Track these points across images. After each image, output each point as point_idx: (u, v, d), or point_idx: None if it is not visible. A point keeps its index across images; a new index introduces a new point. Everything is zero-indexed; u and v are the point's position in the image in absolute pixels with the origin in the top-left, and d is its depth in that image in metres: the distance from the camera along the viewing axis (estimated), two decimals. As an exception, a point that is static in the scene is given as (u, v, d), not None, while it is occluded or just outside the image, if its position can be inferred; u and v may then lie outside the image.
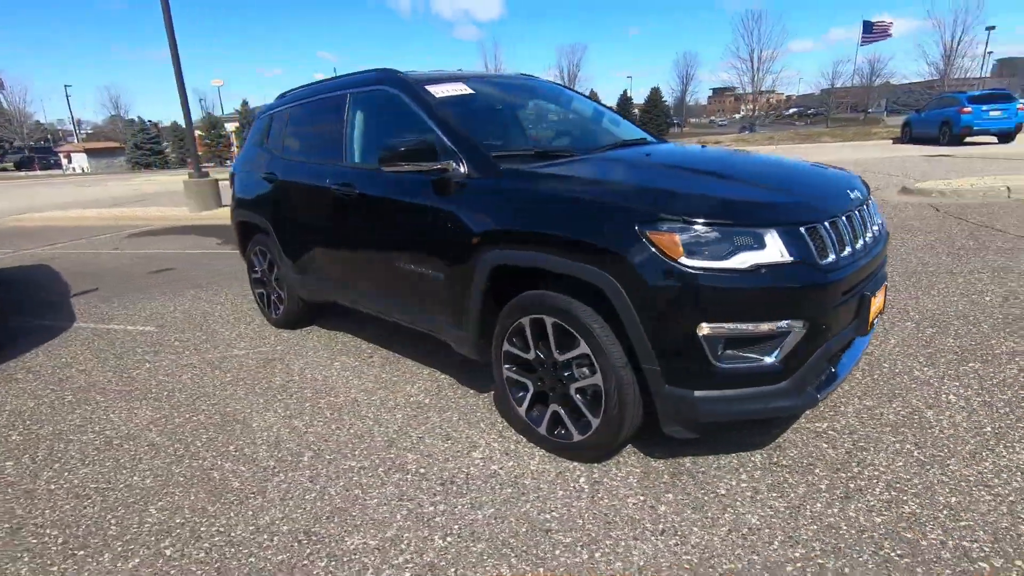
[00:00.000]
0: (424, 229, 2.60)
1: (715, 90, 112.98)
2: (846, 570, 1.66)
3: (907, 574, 1.63)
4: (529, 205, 2.18)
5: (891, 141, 20.28)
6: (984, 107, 15.48)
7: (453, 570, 1.76)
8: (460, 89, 2.87)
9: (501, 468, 2.27)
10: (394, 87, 2.88)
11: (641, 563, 1.74)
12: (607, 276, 1.93)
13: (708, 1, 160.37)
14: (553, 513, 1.99)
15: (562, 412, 2.24)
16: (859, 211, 2.18)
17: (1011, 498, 1.91)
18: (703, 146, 3.10)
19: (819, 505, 1.94)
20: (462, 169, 2.44)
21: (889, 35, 49.05)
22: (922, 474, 2.06)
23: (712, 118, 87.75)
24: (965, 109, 15.58)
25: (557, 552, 1.81)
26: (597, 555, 1.78)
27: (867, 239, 2.17)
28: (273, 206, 3.74)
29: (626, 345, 1.99)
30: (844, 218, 2.05)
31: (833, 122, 46.38)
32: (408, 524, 1.98)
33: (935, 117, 16.96)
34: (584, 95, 3.71)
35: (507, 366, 2.41)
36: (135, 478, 2.36)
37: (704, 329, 1.83)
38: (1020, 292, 3.82)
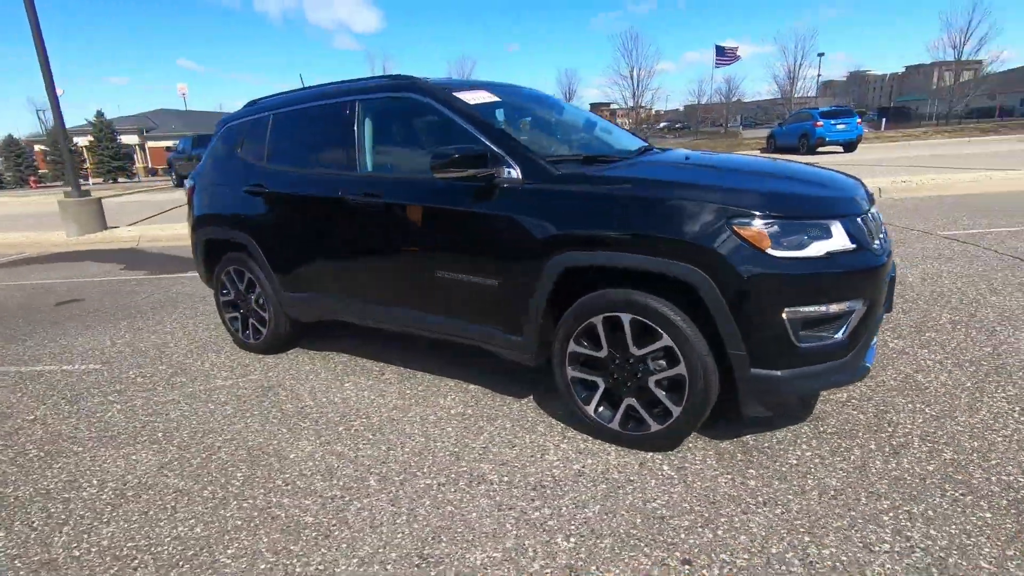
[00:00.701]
0: (474, 236, 2.58)
1: (592, 105, 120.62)
2: (930, 512, 1.91)
3: (975, 508, 1.92)
4: (606, 207, 2.25)
5: (759, 151, 22.81)
6: (833, 121, 17.99)
7: (594, 568, 1.78)
8: (487, 97, 2.88)
9: (583, 467, 2.30)
10: (422, 94, 2.82)
11: (763, 533, 1.87)
12: (696, 270, 2.06)
13: (578, 23, 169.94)
14: (658, 501, 2.06)
15: (637, 405, 2.33)
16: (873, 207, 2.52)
17: (1015, 437, 2.29)
18: (707, 151, 3.35)
19: (878, 463, 2.20)
20: (515, 174, 2.46)
21: (739, 58, 55.03)
22: (942, 427, 2.40)
23: None
24: (818, 123, 18.00)
25: (683, 535, 1.89)
26: (720, 532, 1.89)
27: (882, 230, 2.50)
28: (259, 220, 3.46)
29: (708, 333, 2.13)
30: (869, 212, 2.36)
31: (701, 135, 51.14)
32: (523, 531, 1.96)
33: (795, 130, 19.41)
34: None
35: (572, 367, 2.45)
36: (181, 529, 2.08)
37: (787, 313, 2.02)
38: (908, 275, 4.54)
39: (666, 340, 2.18)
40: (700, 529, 1.91)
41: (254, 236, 3.48)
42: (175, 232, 9.30)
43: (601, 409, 2.44)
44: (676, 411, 2.24)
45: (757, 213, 2.02)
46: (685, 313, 2.15)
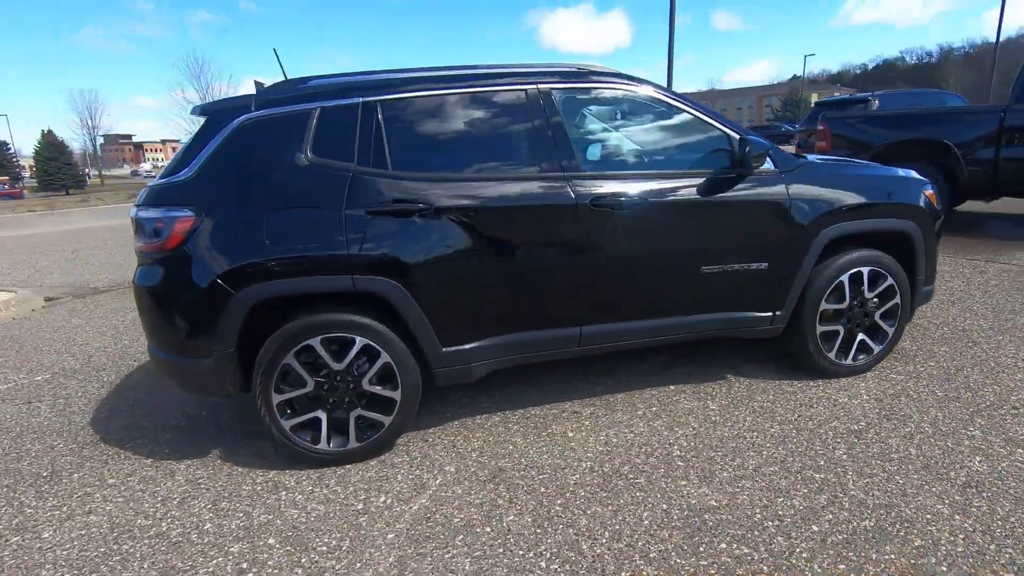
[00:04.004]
0: (744, 225, 2.72)
1: (107, 137, 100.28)
2: None
3: None
4: (853, 184, 2.85)
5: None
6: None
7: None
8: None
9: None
10: (643, 86, 2.67)
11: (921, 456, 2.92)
12: (911, 223, 2.94)
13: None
14: (937, 391, 2.85)
15: (864, 337, 3.03)
16: None
17: None
18: None
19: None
20: (770, 164, 2.75)
21: None
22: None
23: (139, 168, 77.74)
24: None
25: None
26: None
27: None
28: (409, 254, 2.33)
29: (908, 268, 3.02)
30: None
31: None
32: (950, 439, 2.42)
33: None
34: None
35: (824, 324, 2.94)
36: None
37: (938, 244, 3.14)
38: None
39: (890, 280, 2.97)
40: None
41: (400, 277, 2.34)
42: None
43: (834, 351, 3.01)
44: (891, 331, 3.05)
45: (928, 181, 3.04)
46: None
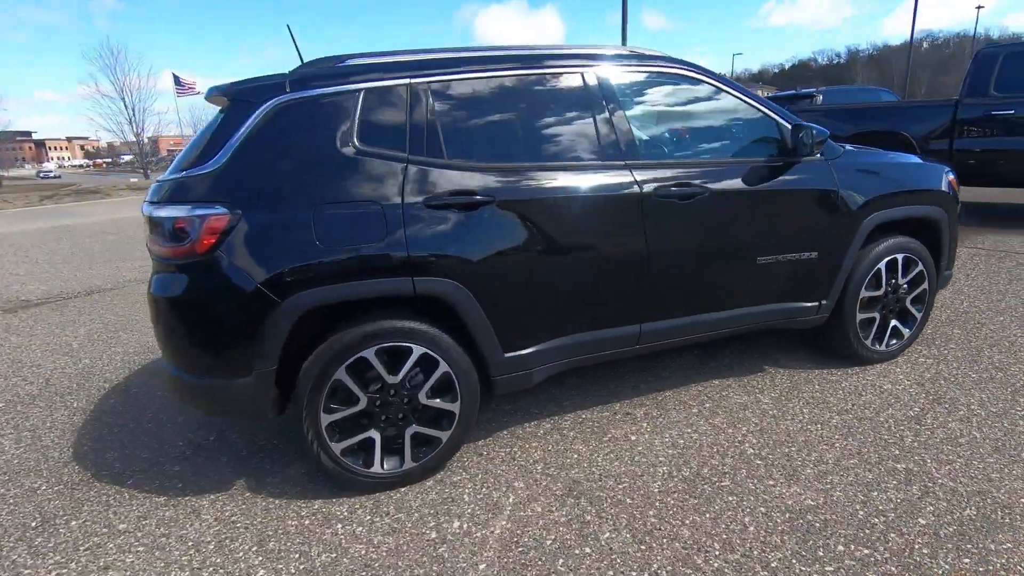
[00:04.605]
0: (795, 213, 2.67)
1: (3, 134, 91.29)
2: None
3: None
4: (892, 172, 2.86)
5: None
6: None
7: None
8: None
9: None
10: (688, 68, 2.57)
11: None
12: (939, 209, 2.99)
13: None
14: (970, 372, 2.93)
15: (897, 323, 3.07)
16: None
17: None
18: None
19: None
20: (819, 154, 2.71)
21: (198, 92, 51.73)
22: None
23: (43, 168, 71.14)
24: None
25: None
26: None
27: None
28: (470, 252, 2.10)
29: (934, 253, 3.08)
30: None
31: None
32: None
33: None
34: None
35: (865, 311, 2.95)
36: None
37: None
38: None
39: (920, 267, 3.02)
40: (1009, 372, 2.91)
41: (462, 278, 2.11)
42: None
43: (873, 338, 3.03)
44: (919, 316, 3.11)
45: (949, 168, 3.11)
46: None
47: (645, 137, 2.52)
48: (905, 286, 3.03)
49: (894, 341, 3.10)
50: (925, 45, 78.44)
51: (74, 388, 3.42)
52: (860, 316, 2.96)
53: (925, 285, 3.07)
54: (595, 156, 2.33)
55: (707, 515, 2.00)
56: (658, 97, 2.60)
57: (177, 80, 50.56)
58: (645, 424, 2.62)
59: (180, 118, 62.02)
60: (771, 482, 2.16)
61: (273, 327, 1.94)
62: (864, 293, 2.93)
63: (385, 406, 2.15)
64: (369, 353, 2.07)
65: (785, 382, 2.95)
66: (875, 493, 2.06)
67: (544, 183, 2.23)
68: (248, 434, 2.73)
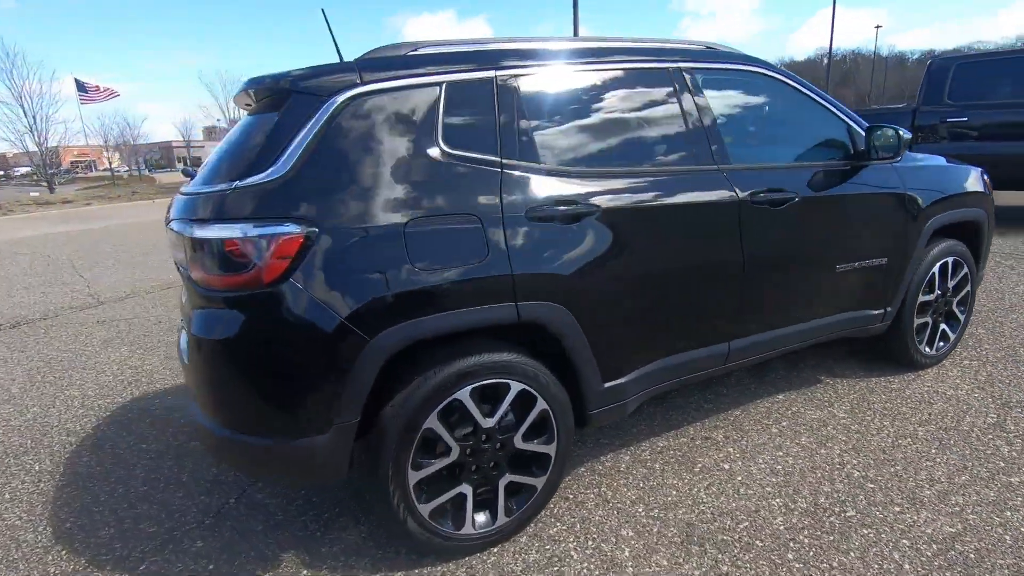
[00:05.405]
0: (869, 218, 2.57)
1: None
2: None
3: None
4: (942, 176, 2.83)
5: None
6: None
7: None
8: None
9: None
10: (765, 67, 2.41)
11: (1054, 358, 3.08)
12: (982, 212, 3.00)
13: None
14: None
15: (944, 326, 3.06)
16: None
17: None
18: None
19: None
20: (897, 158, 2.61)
21: (106, 98, 47.19)
22: None
23: None
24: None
25: (1066, 376, 2.87)
26: None
27: None
28: (574, 270, 1.81)
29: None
30: None
31: (80, 181, 42.17)
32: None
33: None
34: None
35: (917, 317, 2.90)
36: None
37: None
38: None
39: (966, 270, 3.01)
40: (1055, 371, 2.93)
41: (566, 300, 1.82)
42: None
43: (925, 342, 3.00)
44: (963, 318, 3.11)
45: (984, 169, 3.13)
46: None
47: (732, 139, 2.33)
48: (951, 289, 3.01)
49: (942, 344, 3.08)
50: (824, 61, 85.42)
51: (29, 445, 2.81)
52: (917, 321, 2.91)
53: (968, 287, 3.07)
54: (690, 160, 2.12)
55: (851, 554, 1.80)
56: (740, 97, 2.43)
57: (80, 85, 46.35)
58: (731, 449, 2.42)
59: (85, 127, 56.84)
60: (897, 508, 2.00)
61: (359, 371, 1.57)
62: (921, 298, 2.88)
63: (477, 454, 1.82)
64: (463, 394, 1.73)
65: (848, 393, 2.84)
66: (1008, 513, 1.94)
67: (646, 190, 1.98)
68: (276, 492, 2.30)
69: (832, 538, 1.88)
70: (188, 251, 1.58)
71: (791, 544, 1.86)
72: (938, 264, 2.88)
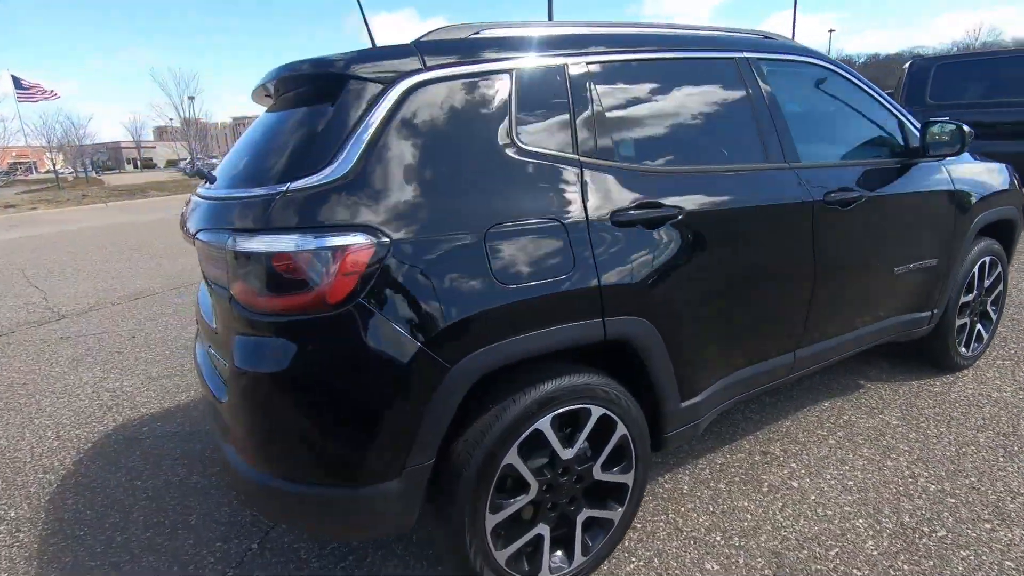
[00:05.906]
0: (924, 218, 2.48)
1: None
2: (1031, 321, 3.60)
3: None
4: (983, 173, 2.77)
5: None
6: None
7: None
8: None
9: None
10: (825, 60, 2.29)
11: (1083, 356, 3.07)
12: (1016, 210, 2.96)
13: None
14: None
15: (980, 327, 3.01)
16: None
17: None
18: None
19: None
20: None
21: (47, 96, 44.40)
22: None
23: None
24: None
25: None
26: (1088, 366, 2.96)
27: None
28: (656, 278, 1.62)
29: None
30: None
31: (20, 184, 39.86)
32: None
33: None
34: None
35: (960, 319, 2.83)
36: None
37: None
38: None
39: (1000, 270, 2.97)
40: (1089, 369, 2.92)
41: (651, 314, 1.62)
42: None
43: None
44: (992, 322, 3.07)
45: (1011, 165, 3.09)
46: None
47: (798, 135, 2.19)
48: (986, 288, 2.97)
49: (976, 345, 3.03)
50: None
51: (1, 488, 2.45)
52: (958, 322, 2.85)
53: (1001, 286, 3.03)
54: (762, 157, 1.96)
55: (958, 580, 1.68)
56: (801, 90, 2.29)
57: (17, 82, 43.65)
58: (794, 464, 2.28)
59: (24, 126, 53.52)
60: (987, 526, 1.89)
61: (438, 404, 1.34)
62: (963, 298, 2.81)
63: (555, 490, 1.61)
64: (544, 423, 1.52)
65: (894, 398, 2.75)
66: (1102, 526, 1.86)
67: (725, 190, 1.81)
68: (302, 533, 2.03)
69: (932, 563, 1.75)
70: (231, 267, 1.32)
71: (891, 572, 1.72)
72: (978, 264, 2.82)
